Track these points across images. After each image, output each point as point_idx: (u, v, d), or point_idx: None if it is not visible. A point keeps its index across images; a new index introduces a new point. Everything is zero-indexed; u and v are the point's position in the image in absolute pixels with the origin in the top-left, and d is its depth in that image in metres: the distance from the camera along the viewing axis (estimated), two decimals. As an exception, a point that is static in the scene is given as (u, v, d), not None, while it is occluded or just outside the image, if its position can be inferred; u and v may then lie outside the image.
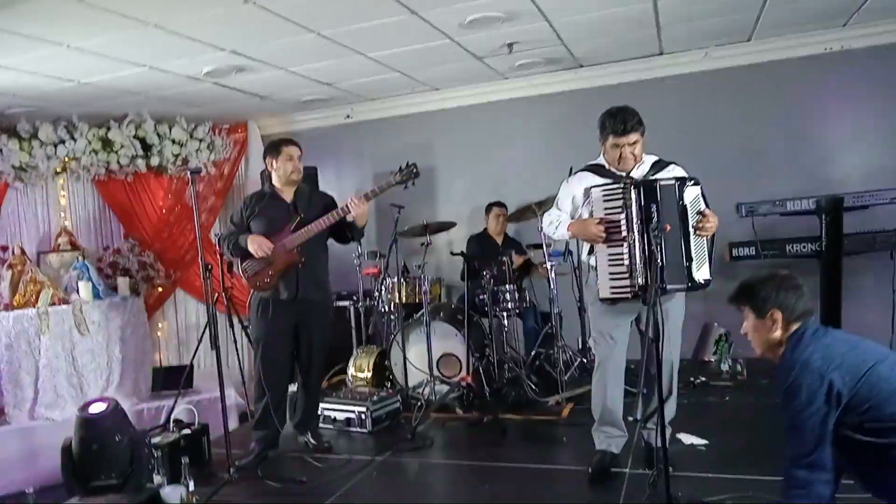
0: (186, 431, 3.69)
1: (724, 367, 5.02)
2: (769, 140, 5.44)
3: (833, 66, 5.25)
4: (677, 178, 3.03)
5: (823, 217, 4.80)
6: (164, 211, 6.08)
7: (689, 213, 3.00)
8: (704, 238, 3.05)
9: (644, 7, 4.29)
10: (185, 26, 3.87)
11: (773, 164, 5.41)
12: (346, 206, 3.68)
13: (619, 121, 3.08)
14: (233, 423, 4.80)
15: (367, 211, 3.78)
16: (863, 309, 5.11)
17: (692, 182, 3.03)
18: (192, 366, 5.04)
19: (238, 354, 5.49)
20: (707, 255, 3.07)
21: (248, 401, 4.98)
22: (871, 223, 4.93)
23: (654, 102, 4.87)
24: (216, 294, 3.64)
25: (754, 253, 4.98)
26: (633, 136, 3.09)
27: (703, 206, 3.05)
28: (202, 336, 4.76)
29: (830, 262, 4.85)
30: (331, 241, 3.98)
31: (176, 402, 4.43)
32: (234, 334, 5.15)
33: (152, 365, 5.49)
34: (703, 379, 4.78)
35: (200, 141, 5.99)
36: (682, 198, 2.99)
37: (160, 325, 6.23)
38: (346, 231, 3.86)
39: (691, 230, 3.00)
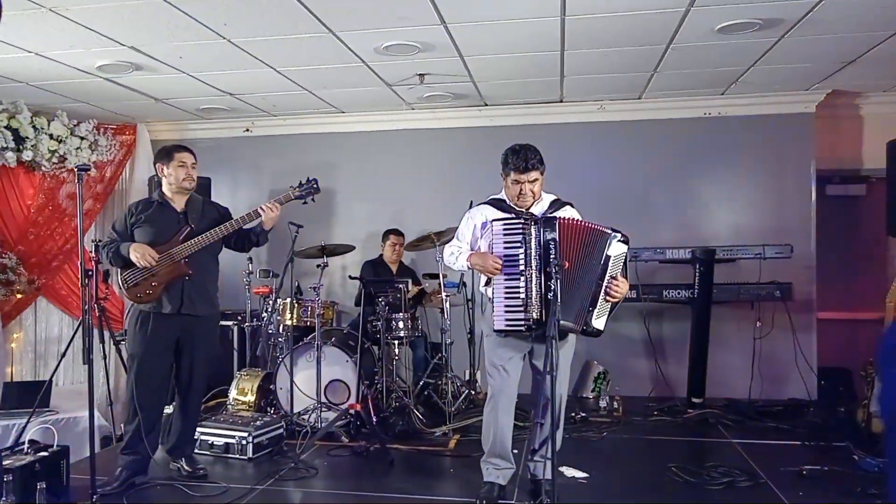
0: (43, 453, 3.32)
1: (602, 403, 5.24)
2: (653, 191, 5.85)
3: (711, 129, 5.77)
4: (613, 229, 3.10)
5: (697, 267, 5.20)
6: (32, 210, 5.57)
7: (610, 265, 3.07)
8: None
9: (552, 55, 4.52)
10: (84, 14, 3.63)
11: (656, 213, 5.82)
12: (258, 210, 3.57)
13: (521, 158, 3.17)
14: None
15: (278, 216, 3.68)
16: (727, 353, 5.57)
17: (622, 238, 3.10)
18: (50, 382, 4.59)
19: (106, 372, 5.09)
20: (609, 309, 3.18)
21: (113, 423, 4.61)
22: (736, 276, 5.40)
23: (550, 146, 5.08)
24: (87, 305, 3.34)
25: (635, 296, 5.28)
26: (534, 174, 3.19)
27: (620, 269, 3.12)
28: (66, 350, 4.38)
29: (701, 309, 5.25)
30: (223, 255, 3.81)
31: (29, 420, 4.01)
32: (104, 350, 4.78)
33: (3, 379, 4.94)
34: (583, 414, 4.96)
35: (82, 139, 5.57)
36: (609, 247, 3.06)
37: (15, 335, 5.65)
38: (249, 236, 3.72)
39: (605, 283, 3.06)
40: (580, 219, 3.21)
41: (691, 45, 4.30)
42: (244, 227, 3.67)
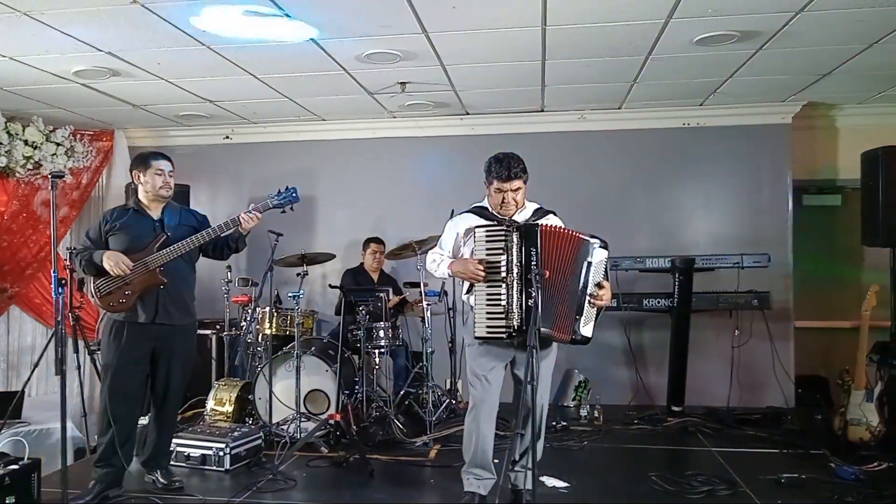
0: (13, 467, 3.23)
1: (583, 412, 5.24)
2: (633, 200, 5.89)
3: (690, 139, 5.83)
4: (592, 235, 3.12)
5: (677, 276, 5.24)
6: (5, 217, 5.46)
7: (592, 271, 3.08)
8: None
9: (533, 65, 4.54)
10: (61, 19, 3.58)
11: (635, 222, 5.86)
12: (238, 219, 3.50)
13: (504, 167, 3.18)
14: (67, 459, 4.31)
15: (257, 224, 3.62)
16: (706, 361, 5.60)
17: (602, 244, 3.12)
18: (22, 393, 4.49)
19: (80, 382, 4.99)
20: (595, 315, 3.18)
21: (87, 434, 4.52)
22: (715, 284, 5.44)
23: (531, 155, 5.10)
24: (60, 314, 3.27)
25: (616, 305, 5.29)
26: (517, 183, 3.20)
27: (602, 275, 3.14)
28: (39, 360, 4.29)
29: (680, 317, 5.28)
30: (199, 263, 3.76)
31: (-1, 433, 3.92)
32: (78, 360, 4.69)
33: (-27, 390, 4.83)
34: (564, 423, 4.95)
35: (58, 145, 5.48)
36: (591, 255, 3.08)
37: (-14, 344, 5.53)
38: (228, 243, 3.65)
39: (589, 291, 3.08)
40: (562, 226, 3.21)
41: (670, 56, 4.35)
42: (221, 235, 3.61)
